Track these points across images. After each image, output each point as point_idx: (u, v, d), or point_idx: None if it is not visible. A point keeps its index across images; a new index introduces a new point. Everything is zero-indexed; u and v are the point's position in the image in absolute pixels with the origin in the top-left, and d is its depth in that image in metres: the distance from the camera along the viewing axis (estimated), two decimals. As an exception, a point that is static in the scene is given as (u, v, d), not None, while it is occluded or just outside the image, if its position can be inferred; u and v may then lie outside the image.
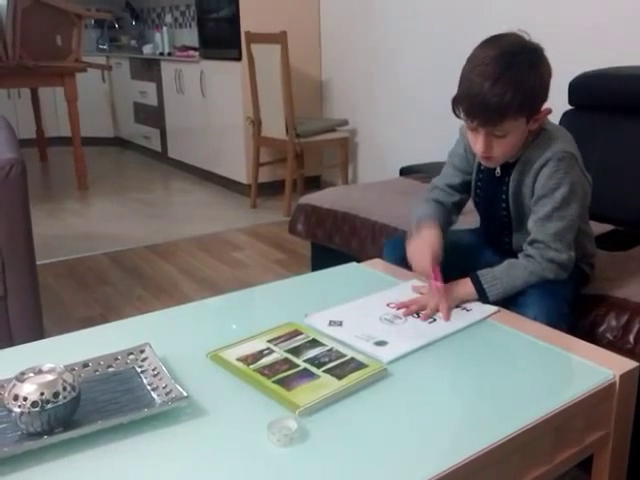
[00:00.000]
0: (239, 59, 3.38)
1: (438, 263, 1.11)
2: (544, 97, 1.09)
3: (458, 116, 1.09)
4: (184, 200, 3.72)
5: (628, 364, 0.91)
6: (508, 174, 1.17)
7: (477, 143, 1.09)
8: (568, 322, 1.09)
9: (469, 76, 1.06)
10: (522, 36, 1.08)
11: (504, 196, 1.19)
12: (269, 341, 0.96)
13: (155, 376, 0.85)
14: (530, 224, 1.14)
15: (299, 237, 1.97)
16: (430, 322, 1.05)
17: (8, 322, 1.51)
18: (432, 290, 1.08)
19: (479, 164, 1.22)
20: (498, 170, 1.19)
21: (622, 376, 0.88)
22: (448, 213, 1.28)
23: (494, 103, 1.02)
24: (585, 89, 1.77)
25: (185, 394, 0.79)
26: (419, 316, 1.07)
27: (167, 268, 2.54)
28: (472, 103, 1.05)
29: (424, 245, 1.13)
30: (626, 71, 1.78)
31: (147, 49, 4.84)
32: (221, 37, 3.57)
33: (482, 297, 1.11)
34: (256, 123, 3.27)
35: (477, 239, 1.33)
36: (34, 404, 0.72)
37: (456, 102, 1.08)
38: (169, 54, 4.44)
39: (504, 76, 1.03)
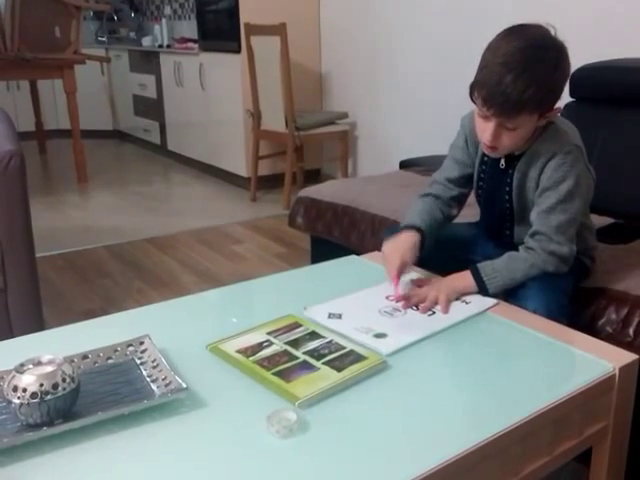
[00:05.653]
0: (238, 51, 3.36)
1: (404, 269, 1.11)
2: (560, 95, 1.08)
3: (474, 101, 1.07)
4: (184, 193, 3.72)
5: (627, 357, 0.91)
6: (513, 166, 1.16)
7: (485, 131, 1.08)
8: (568, 315, 1.09)
9: (491, 64, 1.03)
10: (548, 30, 1.05)
11: (507, 188, 1.18)
12: (269, 333, 0.96)
13: (154, 368, 0.85)
14: (533, 216, 1.14)
15: (299, 230, 1.97)
16: (429, 315, 1.05)
17: (8, 314, 1.51)
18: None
19: (482, 156, 1.21)
20: (502, 162, 1.18)
21: (621, 369, 0.88)
22: (446, 207, 1.27)
23: (514, 96, 1.00)
24: (587, 81, 1.76)
25: (184, 386, 0.79)
26: (418, 309, 1.07)
27: (167, 261, 2.54)
28: (492, 92, 1.02)
29: (395, 251, 1.13)
30: (628, 63, 1.78)
31: (146, 41, 4.82)
32: (220, 29, 3.55)
33: (482, 290, 1.11)
34: (256, 116, 3.26)
35: (477, 232, 1.33)
36: (33, 395, 0.72)
37: (474, 88, 1.06)
38: (168, 46, 4.42)
39: (529, 70, 1.01)
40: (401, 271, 1.12)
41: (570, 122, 1.18)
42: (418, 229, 1.18)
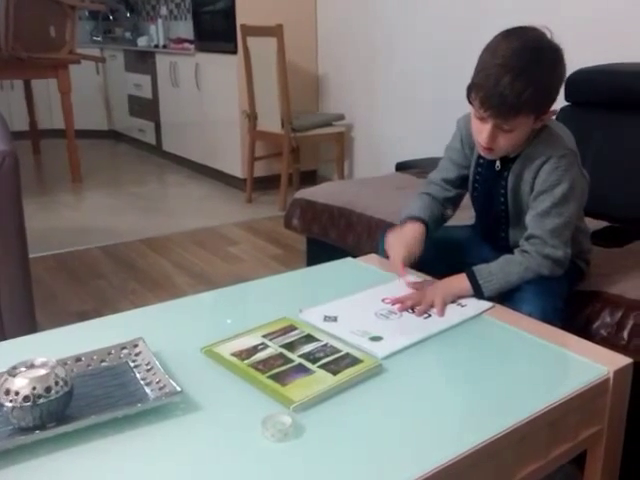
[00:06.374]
0: (235, 52, 3.36)
1: (411, 260, 1.15)
2: (556, 97, 1.09)
3: (471, 103, 1.07)
4: (179, 194, 3.71)
5: (622, 360, 0.91)
6: (508, 169, 1.17)
7: (482, 133, 1.08)
8: (563, 318, 1.10)
9: (489, 66, 1.03)
10: (545, 33, 1.06)
11: (502, 191, 1.19)
12: (264, 336, 0.95)
13: (148, 371, 0.84)
14: (528, 219, 1.14)
15: (295, 232, 1.97)
16: (425, 318, 1.05)
17: (0, 316, 1.50)
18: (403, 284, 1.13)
19: (478, 158, 1.22)
20: (498, 164, 1.18)
21: (616, 372, 0.89)
22: (441, 208, 1.28)
23: (512, 98, 1.01)
24: (583, 85, 1.77)
25: (179, 389, 0.78)
26: (414, 311, 1.07)
27: (161, 262, 2.53)
28: (489, 94, 1.02)
29: (401, 241, 1.16)
30: (624, 67, 1.78)
31: (142, 41, 4.81)
32: (217, 30, 3.55)
33: (477, 293, 1.11)
34: (252, 117, 3.26)
35: (473, 235, 1.33)
36: (26, 399, 0.71)
37: (472, 89, 1.06)
38: (164, 46, 4.41)
39: (526, 72, 1.01)
40: (407, 261, 1.13)
41: (564, 126, 1.18)
42: (422, 221, 1.20)
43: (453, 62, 2.68)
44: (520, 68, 1.01)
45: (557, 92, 1.08)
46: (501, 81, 1.01)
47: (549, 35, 1.06)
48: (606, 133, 1.71)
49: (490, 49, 1.06)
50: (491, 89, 1.02)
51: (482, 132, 1.08)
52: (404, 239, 1.16)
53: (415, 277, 1.19)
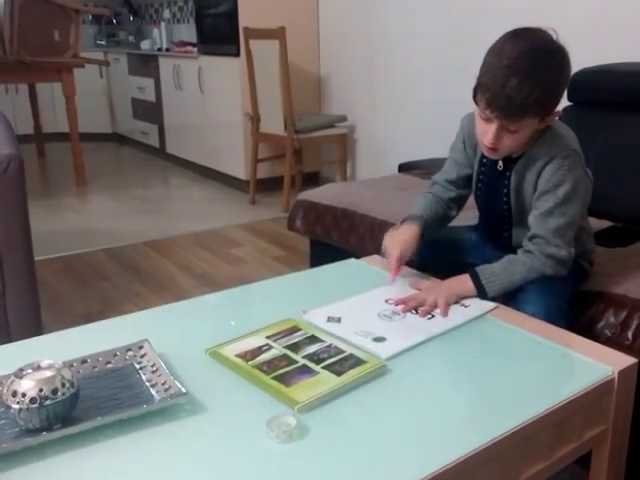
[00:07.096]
0: (237, 55, 3.37)
1: (404, 260, 1.17)
2: (561, 99, 1.09)
3: (477, 103, 1.07)
4: (182, 196, 3.72)
5: (627, 360, 0.91)
6: (510, 169, 1.17)
7: (487, 133, 1.08)
8: (567, 318, 1.09)
9: (496, 67, 1.03)
10: (550, 34, 1.06)
11: (505, 190, 1.19)
12: (268, 337, 0.96)
13: (154, 372, 0.85)
14: (531, 219, 1.14)
15: (298, 233, 1.97)
16: (428, 318, 1.05)
17: (6, 318, 1.50)
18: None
19: (481, 158, 1.22)
20: (500, 164, 1.18)
21: (621, 372, 0.88)
22: (446, 208, 1.28)
23: (519, 100, 1.00)
24: (585, 85, 1.77)
25: (184, 390, 0.79)
26: (417, 312, 1.07)
27: (165, 264, 2.54)
28: (496, 96, 1.02)
29: (396, 240, 1.18)
30: (626, 67, 1.78)
31: (145, 45, 4.83)
32: (219, 33, 3.56)
33: (481, 293, 1.11)
34: (254, 119, 3.26)
35: (476, 235, 1.33)
36: (32, 400, 0.72)
37: (478, 90, 1.06)
38: (167, 50, 4.43)
39: (533, 74, 1.01)
40: (400, 262, 1.14)
41: (568, 126, 1.18)
42: (417, 221, 1.21)
43: (454, 62, 2.68)
44: (527, 70, 1.01)
45: (562, 93, 1.08)
46: (508, 83, 1.01)
47: (554, 36, 1.06)
48: (609, 133, 1.71)
49: (496, 50, 1.06)
50: (498, 91, 1.02)
51: (487, 133, 1.08)
52: (397, 240, 1.18)
53: (418, 277, 1.19)
